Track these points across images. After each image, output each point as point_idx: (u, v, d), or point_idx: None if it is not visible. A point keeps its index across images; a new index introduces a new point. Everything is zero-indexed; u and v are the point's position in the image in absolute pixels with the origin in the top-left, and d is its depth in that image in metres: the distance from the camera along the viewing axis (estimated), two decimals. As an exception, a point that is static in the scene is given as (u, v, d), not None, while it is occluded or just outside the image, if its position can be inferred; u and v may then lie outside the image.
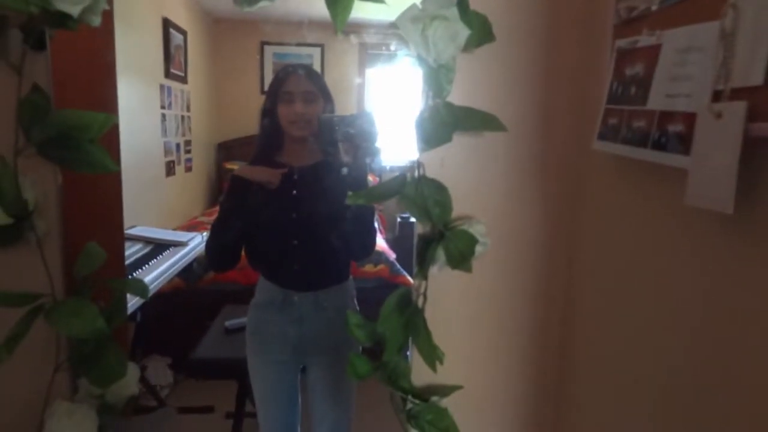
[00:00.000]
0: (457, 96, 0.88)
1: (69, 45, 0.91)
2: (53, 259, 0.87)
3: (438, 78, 0.86)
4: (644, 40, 0.71)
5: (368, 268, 3.09)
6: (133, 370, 0.97)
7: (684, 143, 0.60)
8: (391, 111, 4.60)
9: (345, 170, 1.14)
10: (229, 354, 2.18)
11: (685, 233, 0.65)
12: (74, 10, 0.78)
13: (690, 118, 0.60)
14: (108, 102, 1.04)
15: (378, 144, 1.26)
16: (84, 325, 0.80)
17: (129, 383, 0.96)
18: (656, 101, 0.67)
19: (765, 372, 0.53)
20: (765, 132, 0.51)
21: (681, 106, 0.62)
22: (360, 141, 1.19)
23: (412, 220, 4.71)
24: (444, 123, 0.86)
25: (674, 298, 0.67)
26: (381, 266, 3.12)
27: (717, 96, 0.56)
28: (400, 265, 3.19)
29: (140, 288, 0.96)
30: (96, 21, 0.83)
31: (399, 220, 4.71)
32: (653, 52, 0.68)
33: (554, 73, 0.90)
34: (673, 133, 0.63)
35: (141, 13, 3.23)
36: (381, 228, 4.11)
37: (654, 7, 0.69)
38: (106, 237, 1.01)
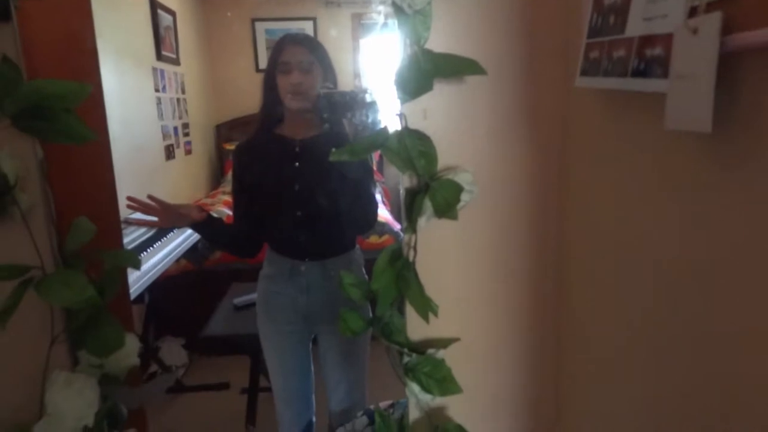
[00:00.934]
0: (435, 43, 0.86)
1: (43, 18, 0.90)
2: (41, 231, 0.87)
3: (415, 25, 0.84)
4: (622, -36, 0.68)
5: (373, 239, 3.10)
6: (132, 341, 0.98)
7: (663, 66, 0.58)
8: (387, 81, 4.54)
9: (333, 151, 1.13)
10: (240, 330, 2.21)
11: (668, 159, 0.63)
12: (37, -23, 0.76)
13: (668, 40, 0.57)
14: (89, 75, 1.03)
15: (378, 117, 1.24)
16: (74, 294, 0.81)
17: (128, 353, 0.97)
18: (634, 27, 0.64)
19: (744, 289, 0.52)
20: (741, 42, 0.48)
21: (659, 29, 0.59)
22: (360, 117, 1.18)
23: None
24: (423, 71, 0.84)
25: (662, 225, 0.66)
26: (386, 237, 3.12)
27: (694, 12, 0.53)
28: (405, 235, 3.19)
29: (131, 259, 0.96)
30: (62, -12, 0.81)
31: (402, 191, 4.69)
32: (631, -24, 0.65)
33: (534, 12, 0.88)
34: (651, 58, 0.60)
35: (126, -6, 3.18)
36: (384, 200, 4.10)
37: (630, -71, 0.66)
38: (99, 213, 1.01)
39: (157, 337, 2.94)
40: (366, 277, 1.57)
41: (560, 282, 0.98)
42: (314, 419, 1.71)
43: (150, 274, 2.33)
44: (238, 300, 2.41)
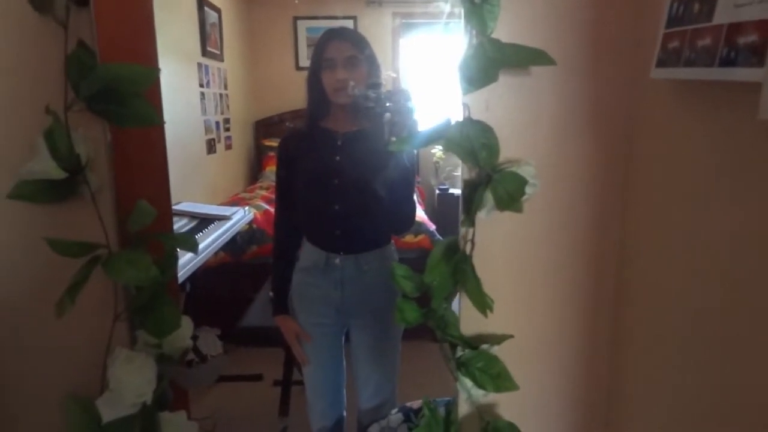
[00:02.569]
0: (501, 33, 0.84)
1: (110, 1, 0.92)
2: (107, 212, 0.90)
3: (482, 14, 0.83)
4: (709, -50, 0.65)
5: (409, 238, 3.09)
6: (186, 324, 1.00)
7: (757, 54, 0.55)
8: (426, 79, 4.53)
9: (388, 116, 1.12)
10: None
11: (761, 151, 0.60)
12: (114, -37, 0.78)
13: (764, 26, 0.55)
14: (149, 58, 1.05)
15: (415, 118, 1.24)
16: (139, 273, 0.82)
17: (183, 336, 0.99)
18: (724, 14, 0.62)
19: None
20: None
21: (754, 14, 0.57)
22: (397, 116, 1.17)
23: (452, 191, 4.67)
24: (489, 61, 0.83)
25: (753, 229, 0.62)
26: (421, 236, 3.11)
27: (796, -4, 0.51)
28: (440, 235, 3.18)
29: (190, 243, 0.98)
30: (135, -25, 0.83)
31: (437, 192, 4.67)
32: (719, -39, 0.63)
33: (604, 3, 0.85)
34: (744, 45, 0.58)
35: (176, -9, 3.26)
36: (420, 200, 4.09)
37: None
38: (154, 196, 1.03)
39: (195, 326, 3.00)
40: None
41: (620, 283, 0.95)
42: (345, 414, 1.71)
43: (191, 264, 2.37)
44: (276, 293, 2.43)
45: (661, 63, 0.74)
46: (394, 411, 1.54)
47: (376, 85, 1.32)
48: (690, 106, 0.74)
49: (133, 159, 1.04)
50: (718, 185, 0.68)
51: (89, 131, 0.87)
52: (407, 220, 1.49)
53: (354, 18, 4.64)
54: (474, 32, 0.84)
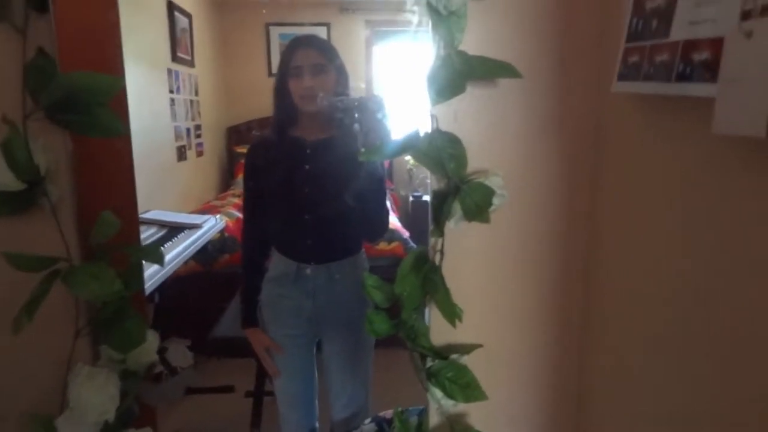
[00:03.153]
0: (469, 45, 0.85)
1: (72, 9, 0.90)
2: (68, 224, 0.87)
3: (449, 26, 0.84)
4: (665, -31, 0.67)
5: (382, 246, 3.09)
6: (152, 337, 0.98)
7: (710, 70, 0.57)
8: (399, 86, 4.56)
9: (356, 127, 1.12)
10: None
11: (715, 164, 0.63)
12: (76, -31, 0.76)
13: (716, 44, 0.57)
14: (114, 68, 1.03)
15: (387, 124, 1.24)
16: (102, 287, 0.80)
17: (149, 350, 0.97)
18: (679, 31, 0.64)
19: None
20: (800, 46, 0.48)
21: (707, 32, 0.59)
22: (369, 123, 1.16)
23: (425, 198, 4.69)
24: (457, 73, 0.84)
25: (707, 234, 0.64)
26: (395, 244, 3.12)
27: (747, 16, 0.53)
28: (414, 243, 3.19)
29: (155, 255, 0.96)
30: (98, -19, 0.82)
31: (411, 199, 4.69)
32: (675, -20, 0.65)
33: (571, 16, 0.87)
34: (698, 62, 0.60)
35: (145, -5, 3.21)
36: (393, 207, 4.09)
37: (675, -66, 0.66)
38: (119, 208, 1.00)
39: (164, 337, 2.93)
40: None
41: (588, 292, 0.97)
42: (318, 425, 1.70)
43: (161, 273, 2.32)
44: (247, 302, 2.39)
45: (623, 77, 0.76)
46: (367, 421, 1.53)
47: (345, 95, 1.32)
48: (650, 119, 0.76)
49: (96, 168, 1.01)
50: (678, 196, 0.70)
51: (49, 141, 0.85)
52: (381, 227, 1.49)
53: (327, 25, 4.64)
54: (442, 44, 0.85)
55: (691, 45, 0.61)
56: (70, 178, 0.88)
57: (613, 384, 0.90)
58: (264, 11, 4.53)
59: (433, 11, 0.83)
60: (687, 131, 0.67)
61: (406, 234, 3.25)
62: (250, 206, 1.57)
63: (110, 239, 0.91)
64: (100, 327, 0.87)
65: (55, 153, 0.85)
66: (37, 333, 0.86)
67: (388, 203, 1.50)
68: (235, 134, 4.78)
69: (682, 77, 0.62)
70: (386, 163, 4.18)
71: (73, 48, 0.88)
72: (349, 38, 4.64)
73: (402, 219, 4.13)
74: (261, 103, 4.56)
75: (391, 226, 3.23)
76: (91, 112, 0.82)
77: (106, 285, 0.80)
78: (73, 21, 0.88)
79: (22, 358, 0.91)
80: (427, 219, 0.92)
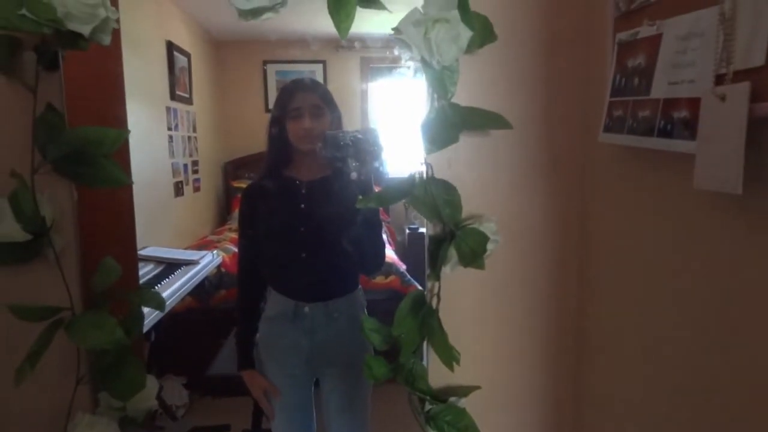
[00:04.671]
0: (461, 97, 0.89)
1: (80, 64, 0.94)
2: (71, 273, 0.89)
3: (442, 80, 0.87)
4: (645, 30, 0.72)
5: (379, 279, 3.09)
6: (151, 383, 0.98)
7: (689, 128, 0.61)
8: (394, 122, 4.63)
9: (354, 175, 1.15)
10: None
11: (697, 216, 0.65)
12: (85, 30, 0.80)
13: (694, 104, 0.60)
14: (118, 119, 1.07)
15: (383, 157, 1.27)
16: (104, 336, 0.81)
17: (148, 396, 0.97)
18: (660, 90, 0.68)
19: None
20: (769, 111, 0.51)
21: (684, 93, 0.63)
22: (366, 155, 1.20)
23: (421, 230, 4.71)
24: (450, 123, 0.87)
25: (690, 281, 0.67)
26: (392, 277, 3.12)
27: (720, 80, 0.56)
28: (411, 275, 3.19)
29: (156, 300, 0.97)
30: (106, 40, 0.85)
31: (407, 231, 4.71)
32: (654, 41, 0.69)
33: (557, 70, 0.92)
34: (678, 120, 0.63)
35: (146, 37, 3.29)
36: (390, 239, 4.11)
37: (652, -2, 0.70)
38: (120, 253, 1.02)
39: (159, 375, 2.90)
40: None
41: (580, 332, 0.98)
42: (315, 466, 1.68)
43: (156, 312, 2.32)
44: (245, 339, 2.38)
45: (608, 128, 0.80)
46: (367, 460, 1.52)
47: (342, 141, 1.35)
48: (634, 169, 0.79)
49: (99, 216, 1.03)
50: (663, 243, 0.73)
51: (55, 192, 0.87)
52: (378, 261, 1.50)
53: (323, 63, 4.74)
54: (435, 96, 0.89)
55: (670, 103, 0.65)
56: (74, 227, 0.90)
57: (609, 422, 0.90)
58: (262, 55, 4.63)
59: (427, 65, 0.87)
60: (670, 183, 0.71)
61: (403, 267, 3.26)
62: (245, 247, 1.58)
63: (111, 286, 0.92)
64: (100, 374, 0.88)
65: (61, 204, 0.88)
66: (39, 381, 0.86)
67: (384, 236, 1.52)
68: (232, 169, 4.82)
69: (664, 133, 0.66)
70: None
71: (79, 102, 0.91)
72: (345, 75, 4.74)
73: (398, 251, 4.14)
74: (258, 139, 4.58)
75: (387, 259, 3.24)
76: (97, 164, 0.85)
77: (107, 334, 0.81)
78: (81, 77, 0.92)
79: (23, 407, 0.91)
80: (423, 251, 0.94)
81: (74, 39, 0.81)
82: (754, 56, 0.53)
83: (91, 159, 0.84)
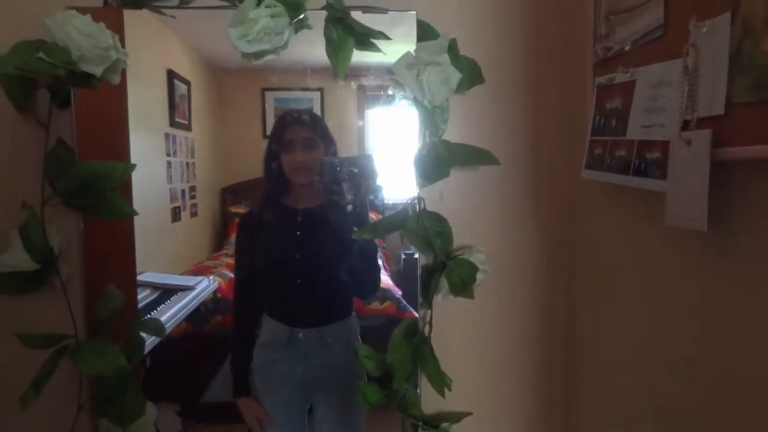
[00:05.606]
0: (452, 134, 0.94)
1: (88, 100, 0.98)
2: (76, 301, 0.92)
3: (434, 118, 0.93)
4: (620, 76, 0.77)
5: (375, 305, 3.09)
6: (150, 410, 1.00)
7: (661, 168, 0.66)
8: (391, 150, 4.70)
9: (350, 207, 1.19)
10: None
11: (668, 250, 0.70)
12: (98, 71, 0.85)
13: (665, 146, 0.65)
14: (122, 152, 1.11)
15: (379, 182, 1.31)
16: (107, 363, 0.84)
17: (147, 422, 0.99)
18: (634, 132, 0.72)
19: (744, 369, 0.57)
20: (729, 156, 0.56)
21: (656, 135, 0.67)
22: (362, 180, 1.25)
23: (417, 255, 4.75)
24: (441, 159, 0.92)
25: (665, 309, 0.71)
26: (387, 303, 3.12)
27: (686, 125, 0.61)
28: (406, 301, 3.20)
29: (156, 327, 1.00)
30: (116, 79, 0.91)
31: (403, 256, 4.73)
32: (629, 87, 0.74)
33: (542, 110, 0.97)
34: (651, 160, 0.68)
35: (147, 66, 3.36)
36: (386, 265, 4.13)
37: (627, 47, 0.76)
38: (121, 281, 1.05)
39: (153, 402, 2.86)
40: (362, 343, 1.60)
41: (568, 357, 1.01)
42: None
43: (151, 339, 2.32)
44: (240, 365, 2.38)
45: (589, 165, 0.85)
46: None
47: (339, 167, 1.39)
48: (614, 204, 0.84)
49: (102, 246, 1.07)
50: (641, 274, 0.77)
51: (64, 223, 0.91)
52: (374, 285, 1.53)
53: (321, 90, 4.83)
54: (427, 133, 0.94)
55: (644, 145, 0.70)
56: (79, 256, 0.94)
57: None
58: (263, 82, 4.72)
59: (420, 105, 0.92)
60: (645, 218, 0.75)
61: (398, 293, 3.26)
62: (242, 277, 1.61)
63: (112, 314, 0.95)
64: (101, 401, 0.90)
65: (68, 234, 0.91)
66: (42, 407, 0.88)
67: (380, 261, 1.55)
68: (229, 195, 4.84)
69: (638, 172, 0.70)
70: (377, 218, 4.26)
71: (89, 137, 0.96)
72: (342, 103, 4.81)
73: (394, 277, 4.15)
74: (255, 164, 4.63)
75: (383, 285, 3.24)
76: (104, 197, 0.89)
77: (110, 361, 0.84)
78: (91, 114, 0.96)
79: (25, 433, 0.93)
80: (418, 276, 0.98)
81: (86, 79, 0.86)
82: (715, 105, 0.58)
83: (99, 192, 0.88)
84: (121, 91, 1.17)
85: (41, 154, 0.87)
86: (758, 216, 0.56)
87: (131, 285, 1.25)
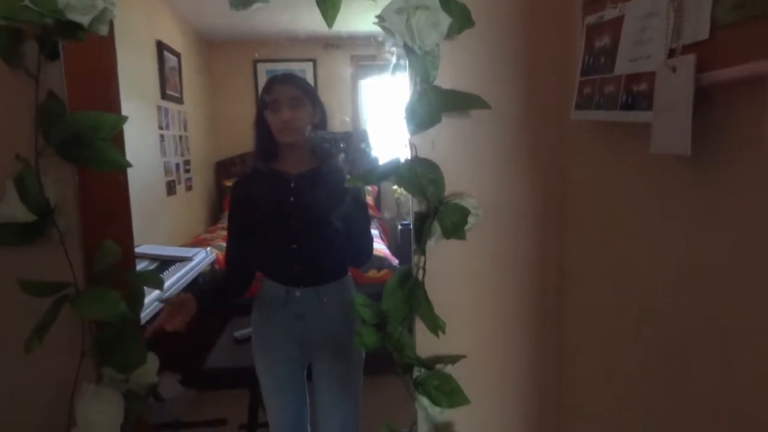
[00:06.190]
0: (443, 80, 0.94)
1: (77, 54, 0.98)
2: (74, 252, 0.93)
3: (424, 64, 0.93)
4: (609, 13, 0.77)
5: (372, 273, 3.14)
6: (152, 359, 1.02)
7: (647, 100, 0.66)
8: (385, 118, 4.68)
9: (341, 163, 1.20)
10: (240, 363, 2.22)
11: (655, 180, 0.71)
12: (85, 20, 0.85)
13: (652, 77, 0.66)
14: (113, 107, 1.11)
15: (372, 155, 1.32)
16: (107, 309, 0.86)
17: (149, 371, 1.01)
18: (622, 67, 0.73)
19: (724, 287, 0.59)
20: (713, 79, 0.57)
21: (643, 67, 0.68)
22: (355, 155, 1.25)
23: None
24: (432, 105, 0.93)
25: (653, 238, 0.73)
26: (384, 271, 3.17)
27: (672, 53, 0.62)
28: (403, 270, 3.23)
29: (155, 280, 1.01)
30: (104, 30, 0.90)
31: (400, 227, 4.75)
32: (617, 23, 0.75)
33: (532, 53, 0.97)
34: (637, 93, 0.69)
35: (135, 36, 3.32)
36: (382, 235, 4.16)
37: (615, -17, 0.76)
38: (118, 238, 1.06)
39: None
40: None
41: (560, 299, 1.04)
42: (309, 452, 1.72)
43: (152, 307, 2.35)
44: (239, 333, 2.43)
45: (579, 106, 0.85)
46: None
47: (324, 129, 1.40)
48: (603, 142, 0.85)
49: (98, 200, 1.08)
50: (625, 211, 0.79)
51: (59, 175, 0.91)
52: (366, 253, 1.55)
53: (313, 61, 4.77)
54: (418, 80, 0.94)
55: (631, 78, 0.71)
56: (76, 209, 0.95)
57: (590, 386, 0.96)
58: (256, 54, 4.67)
59: (410, 51, 0.92)
60: (632, 152, 0.76)
61: (395, 262, 3.31)
62: (234, 239, 1.62)
63: (111, 267, 0.96)
64: (103, 349, 0.92)
65: (64, 186, 0.92)
66: (45, 355, 0.90)
67: (376, 231, 1.57)
68: (223, 168, 4.85)
69: (626, 106, 0.71)
70: (374, 191, 4.28)
71: (79, 90, 0.96)
72: (335, 73, 4.78)
73: (391, 247, 4.19)
74: (249, 138, 4.61)
75: (380, 254, 3.29)
76: (97, 148, 0.89)
77: (111, 307, 0.86)
78: (80, 66, 0.96)
79: (31, 379, 0.95)
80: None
81: (73, 29, 0.86)
82: (699, 31, 0.58)
83: (91, 142, 0.89)
84: (110, 49, 1.16)
85: (32, 106, 0.88)
86: (738, 141, 0.57)
87: (128, 242, 1.27)
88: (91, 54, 1.06)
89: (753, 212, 0.56)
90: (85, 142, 0.89)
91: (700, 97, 0.58)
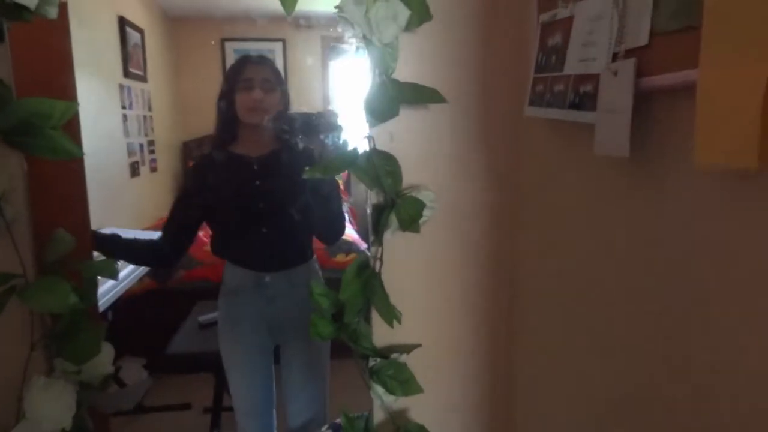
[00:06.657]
0: (402, 73, 0.95)
1: (27, 38, 0.94)
2: (23, 243, 0.91)
3: (383, 56, 0.93)
4: (561, 12, 0.79)
5: (339, 258, 3.15)
6: (107, 349, 1.01)
7: (593, 101, 0.68)
8: (355, 100, 4.65)
9: (300, 146, 1.20)
10: (204, 348, 2.22)
11: (600, 179, 0.74)
12: (31, 3, 0.82)
13: (597, 79, 0.68)
14: (68, 95, 1.08)
15: (343, 138, 1.32)
16: (58, 301, 0.84)
17: (104, 361, 1.00)
18: (571, 66, 0.75)
19: (654, 281, 0.62)
20: (652, 84, 0.59)
21: (590, 69, 0.70)
22: (326, 137, 1.25)
23: (382, 210, 4.77)
24: (391, 98, 0.93)
25: (594, 233, 0.76)
26: (352, 255, 3.19)
27: (615, 57, 0.64)
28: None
29: (109, 269, 1.00)
30: (53, 13, 0.87)
31: (369, 212, 4.76)
32: (568, 23, 0.76)
33: (490, 48, 0.98)
34: (584, 93, 0.71)
35: (95, 11, 3.20)
36: (352, 220, 4.16)
37: (568, -17, 0.77)
38: (73, 226, 1.04)
39: (118, 357, 2.88)
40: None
41: (512, 289, 1.07)
42: (276, 435, 1.74)
43: (115, 290, 2.31)
44: (203, 318, 2.42)
45: (532, 102, 0.87)
46: (324, 428, 1.58)
47: (287, 115, 1.40)
48: (554, 139, 0.87)
49: (50, 188, 1.05)
50: (577, 206, 0.82)
51: (5, 163, 0.89)
52: (339, 229, 1.55)
53: (283, 41, 4.69)
54: (377, 71, 0.94)
55: (579, 79, 0.73)
56: (25, 197, 0.92)
57: (538, 369, 1.00)
58: (224, 32, 4.55)
59: (369, 43, 0.92)
60: (580, 150, 0.79)
61: (363, 246, 3.33)
62: (178, 214, 1.59)
63: (66, 256, 0.95)
64: (55, 340, 0.91)
65: (11, 174, 0.89)
66: (-7, 348, 0.89)
67: (346, 215, 1.57)
68: (190, 149, 4.75)
69: (573, 105, 0.73)
70: (345, 175, 4.26)
71: (29, 75, 0.93)
72: (305, 54, 4.71)
73: (360, 232, 4.20)
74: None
75: (349, 238, 3.30)
76: (45, 135, 0.87)
77: (60, 298, 0.84)
78: (29, 49, 0.93)
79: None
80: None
81: (19, 10, 0.83)
82: (640, 37, 0.60)
83: (39, 130, 0.86)
84: (63, 31, 1.12)
85: (-25, 91, 0.84)
86: (674, 145, 0.60)
87: (84, 232, 1.24)
88: (42, 36, 1.02)
89: (686, 214, 0.58)
90: (33, 130, 0.86)
91: (640, 101, 0.60)
